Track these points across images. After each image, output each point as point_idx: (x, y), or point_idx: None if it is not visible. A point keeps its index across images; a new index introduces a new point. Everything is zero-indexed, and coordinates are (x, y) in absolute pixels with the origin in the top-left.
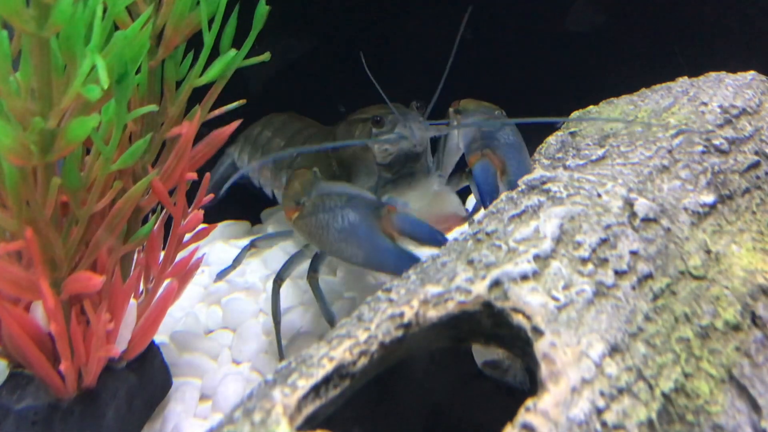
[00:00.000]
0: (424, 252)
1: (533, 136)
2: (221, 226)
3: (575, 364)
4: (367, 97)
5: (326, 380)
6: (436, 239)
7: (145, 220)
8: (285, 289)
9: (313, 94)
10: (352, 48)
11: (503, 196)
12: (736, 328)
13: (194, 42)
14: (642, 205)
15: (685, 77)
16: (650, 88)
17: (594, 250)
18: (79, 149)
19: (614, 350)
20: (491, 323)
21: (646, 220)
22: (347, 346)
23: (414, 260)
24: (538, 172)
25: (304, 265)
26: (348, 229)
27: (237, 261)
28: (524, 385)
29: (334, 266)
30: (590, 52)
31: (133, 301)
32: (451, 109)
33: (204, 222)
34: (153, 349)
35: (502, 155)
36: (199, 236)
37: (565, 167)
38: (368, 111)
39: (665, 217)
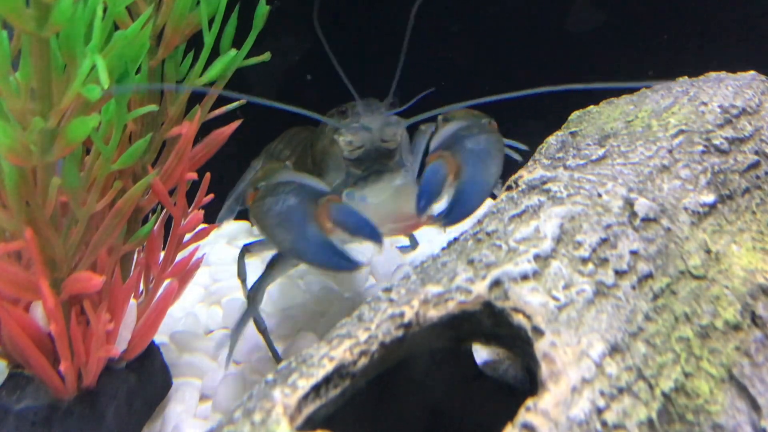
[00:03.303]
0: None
1: (533, 136)
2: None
3: (575, 364)
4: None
5: (326, 380)
6: (368, 232)
7: (145, 220)
8: (284, 289)
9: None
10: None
11: (503, 195)
12: (736, 327)
13: (194, 42)
14: (642, 205)
15: (685, 77)
16: (650, 88)
17: (594, 250)
18: (79, 149)
19: (614, 350)
20: (492, 323)
21: (646, 219)
22: (348, 346)
23: (338, 255)
24: (538, 172)
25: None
26: (284, 212)
27: (242, 273)
28: (524, 383)
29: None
30: (590, 52)
31: (133, 301)
32: (439, 117)
33: (205, 222)
34: (153, 350)
35: (461, 160)
36: (200, 236)
37: (566, 167)
38: (346, 106)
39: (665, 217)
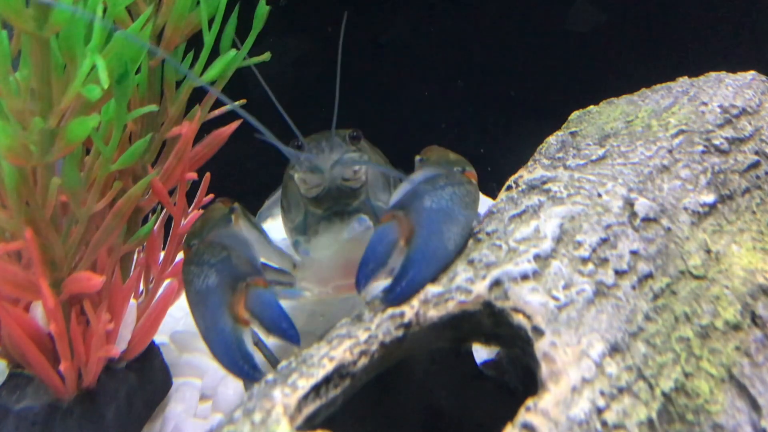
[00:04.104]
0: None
1: (533, 136)
2: None
3: (575, 364)
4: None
5: (327, 380)
6: (283, 330)
7: (145, 220)
8: None
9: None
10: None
11: (503, 195)
12: (736, 327)
13: (194, 42)
14: (642, 205)
15: (686, 77)
16: (650, 88)
17: (594, 250)
18: (79, 149)
19: (614, 350)
20: (491, 323)
21: (647, 219)
22: (348, 346)
23: (243, 359)
24: (538, 172)
25: None
26: (202, 293)
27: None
28: (524, 383)
29: None
30: (590, 52)
31: (133, 301)
32: (417, 157)
33: None
34: (153, 349)
35: (415, 221)
36: None
37: (566, 167)
38: (312, 138)
39: (665, 217)
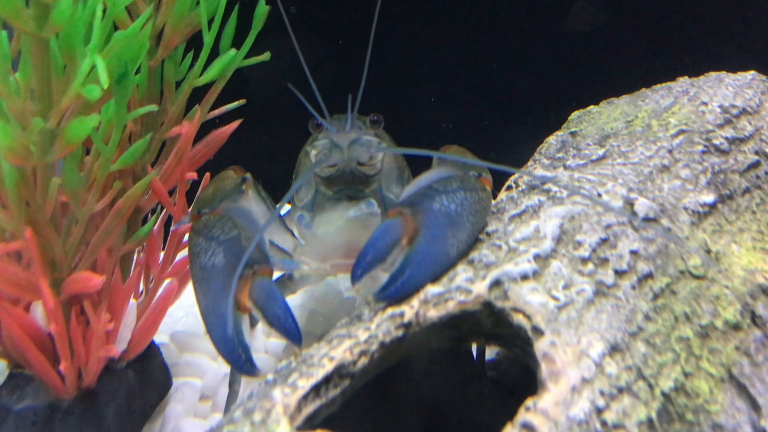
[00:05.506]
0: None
1: (533, 136)
2: None
3: (575, 364)
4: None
5: (326, 380)
6: (284, 326)
7: (145, 220)
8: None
9: None
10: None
11: (503, 195)
12: (736, 327)
13: (194, 42)
14: (642, 205)
15: (686, 77)
16: (650, 88)
17: (594, 250)
18: (79, 149)
19: (614, 349)
20: (491, 323)
21: (647, 219)
22: (347, 346)
23: (240, 349)
24: (538, 172)
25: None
26: (207, 270)
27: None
28: (523, 383)
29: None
30: (590, 52)
31: (133, 301)
32: (435, 158)
33: None
34: (153, 349)
35: (421, 222)
36: None
37: (566, 167)
38: (334, 117)
39: (665, 217)
